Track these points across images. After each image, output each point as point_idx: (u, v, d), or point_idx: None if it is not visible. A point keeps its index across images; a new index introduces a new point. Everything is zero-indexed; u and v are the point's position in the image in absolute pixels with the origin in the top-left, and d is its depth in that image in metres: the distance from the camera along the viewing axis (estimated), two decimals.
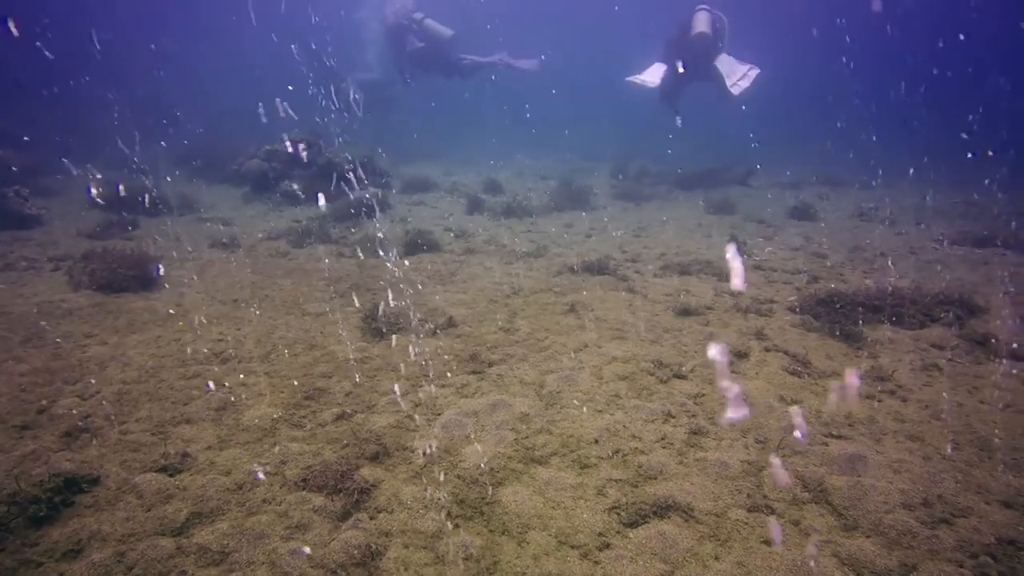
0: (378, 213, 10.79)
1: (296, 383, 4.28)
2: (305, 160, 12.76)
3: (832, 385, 4.32)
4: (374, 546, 2.67)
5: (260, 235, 9.30)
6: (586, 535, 2.77)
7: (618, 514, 2.91)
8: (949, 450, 3.47)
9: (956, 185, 13.73)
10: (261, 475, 3.18)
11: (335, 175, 12.65)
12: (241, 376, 4.37)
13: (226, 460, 3.32)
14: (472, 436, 3.60)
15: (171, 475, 3.18)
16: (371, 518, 2.87)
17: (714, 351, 4.29)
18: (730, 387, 4.03)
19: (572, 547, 2.70)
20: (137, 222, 9.48)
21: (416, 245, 8.46)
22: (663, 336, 5.23)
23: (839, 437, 3.62)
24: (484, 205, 12.00)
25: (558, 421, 3.78)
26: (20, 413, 3.77)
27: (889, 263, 7.89)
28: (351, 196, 11.32)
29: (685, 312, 5.80)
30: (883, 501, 2.98)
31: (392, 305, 5.71)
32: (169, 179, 13.38)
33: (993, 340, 4.97)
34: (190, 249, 8.22)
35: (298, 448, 3.44)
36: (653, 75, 10.47)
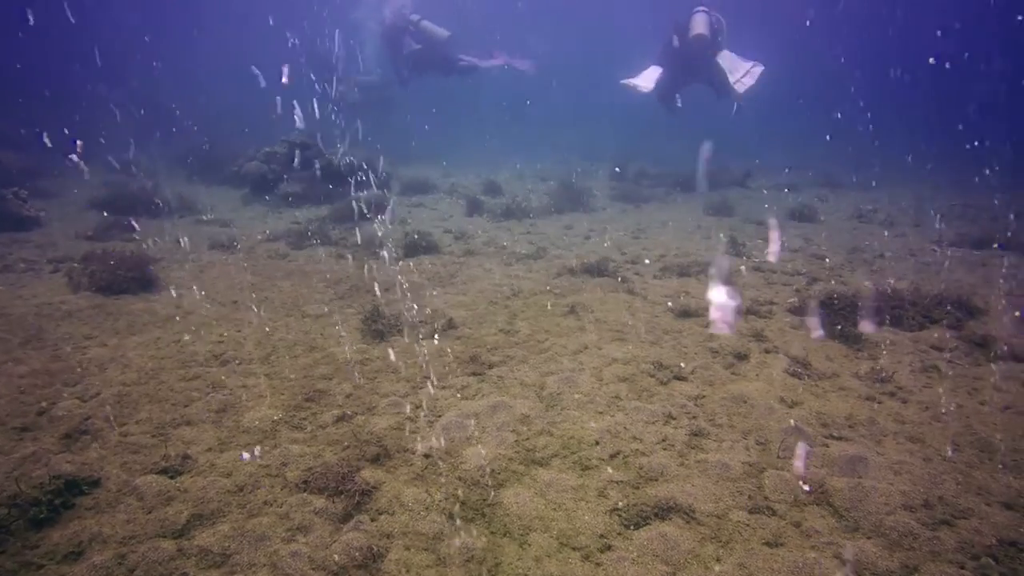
0: (378, 215, 10.79)
1: (296, 385, 4.28)
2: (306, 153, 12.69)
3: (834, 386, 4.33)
4: (375, 548, 2.66)
5: (259, 237, 9.30)
6: (587, 537, 2.77)
7: (619, 516, 2.91)
8: (949, 451, 3.48)
9: (955, 185, 13.77)
10: (246, 455, 3.26)
11: (334, 176, 12.65)
12: (242, 378, 4.37)
13: (227, 462, 3.32)
14: (473, 438, 3.60)
15: (172, 477, 3.17)
16: (372, 520, 2.87)
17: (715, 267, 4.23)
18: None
19: (574, 549, 2.70)
20: (137, 224, 9.47)
21: (416, 247, 8.45)
22: (663, 338, 5.23)
23: (840, 438, 3.62)
24: (483, 207, 12.01)
25: (559, 423, 3.78)
26: (20, 415, 3.76)
27: (888, 264, 7.91)
28: (350, 197, 11.32)
29: (685, 314, 5.80)
30: (884, 502, 2.99)
31: (392, 307, 5.70)
32: (169, 180, 13.37)
33: (992, 341, 4.98)
34: (189, 251, 8.21)
35: (299, 450, 3.44)
36: (647, 79, 10.44)
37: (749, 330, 5.36)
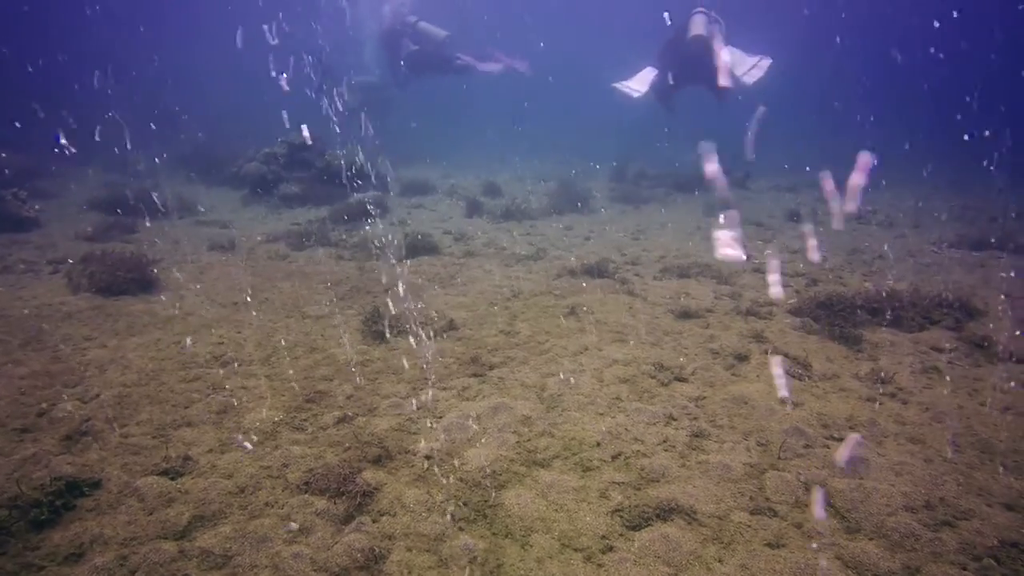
0: (377, 216, 10.79)
1: (297, 386, 4.27)
2: (309, 142, 12.67)
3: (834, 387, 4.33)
4: (377, 549, 2.66)
5: (259, 238, 9.30)
6: (589, 538, 2.77)
7: (621, 517, 2.91)
8: (950, 452, 3.48)
9: (954, 186, 13.80)
10: (246, 445, 3.27)
11: (334, 178, 12.65)
12: (242, 379, 4.37)
13: (227, 463, 3.31)
14: (474, 439, 3.60)
15: (173, 478, 3.17)
16: (374, 521, 2.87)
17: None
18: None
19: (575, 550, 2.70)
20: (136, 225, 9.47)
21: (416, 248, 8.45)
22: (663, 339, 5.23)
23: (841, 439, 3.63)
24: (483, 208, 12.02)
25: (560, 424, 3.78)
26: (20, 416, 3.75)
27: (888, 265, 7.92)
28: (350, 199, 11.33)
29: (685, 315, 5.81)
30: (885, 504, 2.99)
31: (392, 308, 5.70)
32: (169, 181, 13.37)
33: (992, 343, 4.99)
34: (189, 252, 8.20)
35: (300, 451, 3.44)
36: (641, 81, 10.36)
37: (749, 331, 5.36)
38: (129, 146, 13.76)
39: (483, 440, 3.59)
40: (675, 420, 3.84)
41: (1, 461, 3.25)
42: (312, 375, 4.48)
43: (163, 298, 6.20)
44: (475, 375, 4.50)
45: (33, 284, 6.60)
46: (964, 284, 6.97)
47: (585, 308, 5.96)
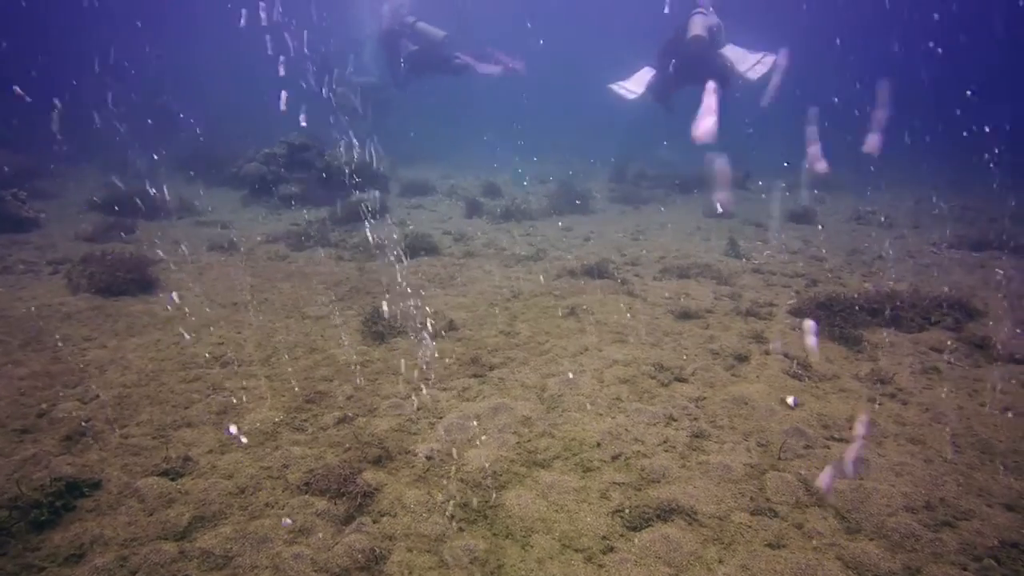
0: (377, 216, 10.79)
1: (297, 387, 4.27)
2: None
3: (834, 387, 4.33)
4: (378, 550, 2.66)
5: (259, 238, 9.29)
6: (590, 538, 2.77)
7: (621, 517, 2.91)
8: (950, 453, 3.48)
9: (954, 186, 13.81)
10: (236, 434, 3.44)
11: (334, 178, 12.65)
12: (242, 380, 4.37)
13: (228, 464, 3.31)
14: (474, 439, 3.60)
15: (173, 479, 3.17)
16: (374, 522, 2.86)
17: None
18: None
19: (576, 550, 2.70)
20: (136, 225, 9.47)
21: (415, 248, 8.45)
22: (663, 339, 5.23)
23: (841, 440, 3.63)
24: (483, 208, 12.02)
25: (560, 424, 3.78)
26: (20, 417, 3.75)
27: (887, 266, 7.92)
28: (350, 199, 11.33)
29: (685, 315, 5.81)
30: (886, 504, 2.99)
31: (392, 308, 5.70)
32: (168, 182, 13.36)
33: (991, 343, 4.99)
34: (189, 252, 8.20)
35: (300, 452, 3.43)
36: (638, 83, 10.31)
37: (749, 332, 5.36)
38: (128, 147, 13.78)
39: (483, 440, 3.59)
40: (675, 421, 3.84)
41: (1, 462, 3.24)
42: (312, 376, 4.48)
43: (163, 298, 6.19)
44: (475, 375, 4.50)
45: (33, 284, 6.60)
46: (964, 285, 6.98)
47: (585, 309, 5.97)
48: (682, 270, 7.52)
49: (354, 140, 13.19)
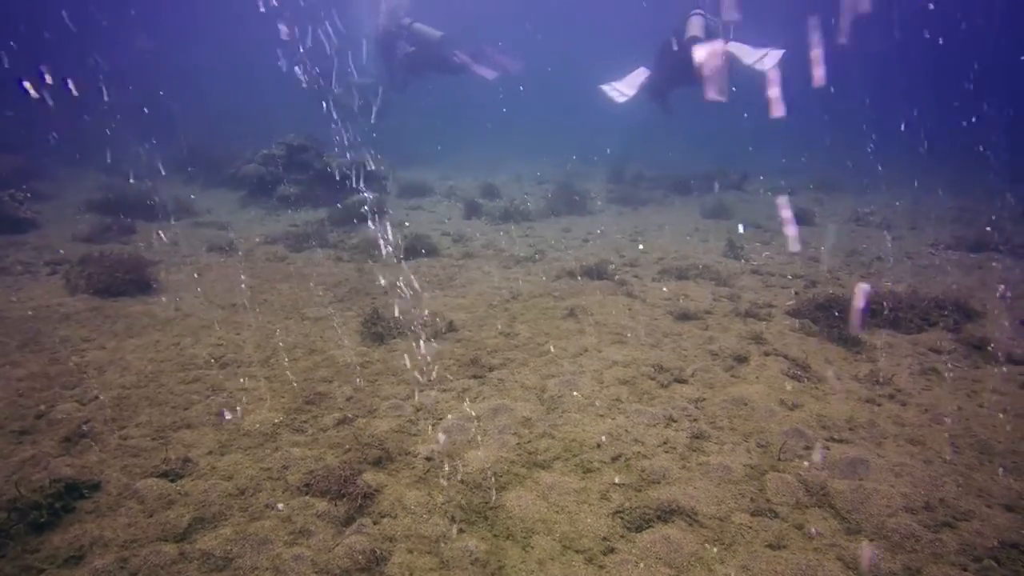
0: (376, 217, 10.79)
1: (297, 388, 4.27)
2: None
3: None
4: (378, 551, 2.66)
5: (257, 239, 9.28)
6: (591, 540, 2.77)
7: (622, 518, 2.91)
8: (949, 454, 3.49)
9: (953, 186, 13.84)
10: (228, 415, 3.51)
11: (332, 179, 12.64)
12: (241, 381, 4.36)
13: (228, 465, 3.30)
14: (474, 440, 3.59)
15: (172, 480, 3.16)
16: (375, 523, 2.86)
17: None
18: None
19: (577, 552, 2.70)
20: (134, 226, 9.45)
21: (414, 249, 8.45)
22: (663, 340, 5.24)
23: (840, 441, 3.63)
24: (482, 209, 12.02)
25: (560, 425, 3.78)
26: (18, 418, 3.74)
27: (886, 267, 7.94)
28: (348, 200, 11.32)
29: (684, 316, 5.81)
30: (886, 505, 3.00)
31: (391, 309, 5.70)
32: (166, 183, 13.35)
33: (990, 344, 5.00)
34: (187, 253, 8.19)
35: (300, 453, 3.43)
36: (630, 84, 10.26)
37: (748, 333, 5.37)
38: (126, 147, 13.76)
39: (483, 442, 3.58)
40: (675, 422, 3.84)
41: (0, 463, 3.23)
42: (312, 377, 4.47)
43: (162, 299, 6.18)
44: (475, 377, 4.50)
45: (30, 285, 6.58)
46: (962, 286, 7.00)
47: (584, 310, 5.97)
48: (681, 271, 7.53)
49: (352, 141, 13.18)
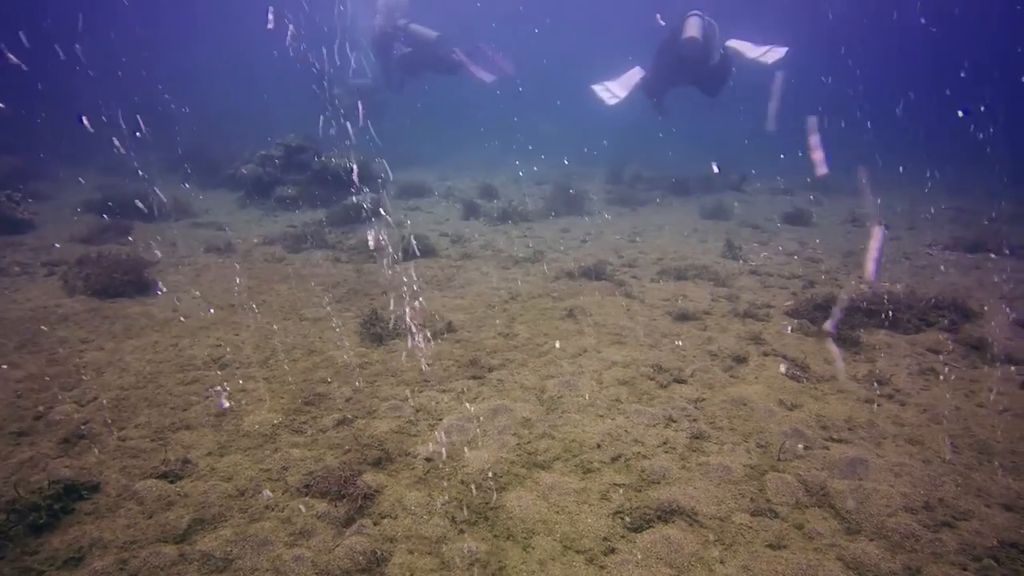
0: (374, 218, 10.78)
1: (296, 388, 4.26)
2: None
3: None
4: (379, 552, 2.65)
5: (256, 240, 9.27)
6: (591, 540, 2.77)
7: (622, 519, 2.91)
8: (948, 454, 3.50)
9: (951, 187, 13.88)
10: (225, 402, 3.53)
11: (330, 180, 12.63)
12: (240, 382, 4.35)
13: (227, 466, 3.30)
14: (474, 441, 3.59)
15: (172, 481, 3.15)
16: (375, 524, 2.86)
17: None
18: None
19: (578, 552, 2.70)
20: (132, 227, 9.43)
21: (413, 250, 8.45)
22: (662, 341, 5.24)
23: (840, 441, 3.64)
24: (480, 210, 12.02)
25: (560, 426, 3.78)
26: (17, 419, 3.73)
27: (883, 268, 7.96)
28: (346, 201, 11.31)
29: (683, 317, 5.82)
30: (885, 504, 3.00)
31: (390, 310, 5.69)
32: (164, 183, 13.33)
33: (988, 344, 5.02)
34: (186, 254, 8.17)
35: (299, 454, 3.42)
36: (623, 86, 10.17)
37: (747, 333, 5.38)
38: (125, 148, 13.72)
39: (483, 442, 3.58)
40: (675, 422, 3.84)
41: None
42: (311, 377, 4.47)
43: (160, 300, 6.17)
44: (474, 377, 4.50)
45: (28, 286, 6.56)
46: (960, 286, 7.02)
47: (583, 310, 5.97)
48: (680, 272, 7.53)
49: (351, 142, 13.17)
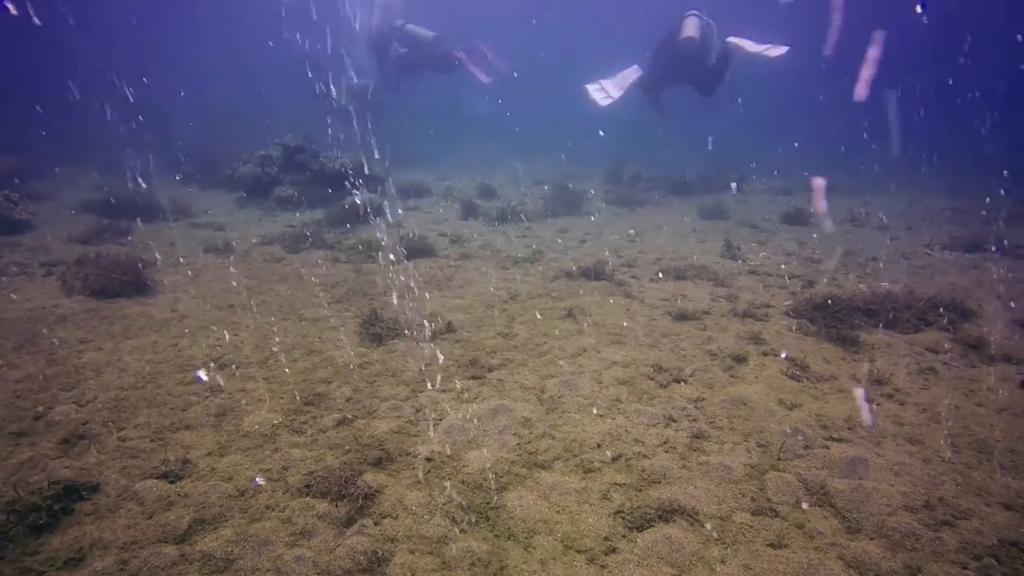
0: (373, 218, 10.77)
1: (295, 389, 4.26)
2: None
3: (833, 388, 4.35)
4: (380, 552, 2.65)
5: (255, 240, 9.26)
6: (592, 540, 2.77)
7: (623, 518, 2.91)
8: (948, 453, 3.50)
9: (950, 188, 13.90)
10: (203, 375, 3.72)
11: (329, 180, 12.62)
12: (240, 382, 4.34)
13: (227, 466, 3.29)
14: (474, 441, 3.59)
15: (172, 482, 3.15)
16: (376, 524, 2.86)
17: None
18: None
19: (578, 552, 2.70)
20: (130, 227, 9.41)
21: (412, 250, 8.44)
22: (661, 341, 5.24)
23: (840, 440, 3.64)
24: (479, 210, 12.01)
25: (560, 426, 3.78)
26: (16, 420, 3.72)
27: (881, 267, 7.97)
28: (345, 201, 11.30)
29: (682, 317, 5.82)
30: (885, 504, 3.00)
31: (389, 310, 5.69)
32: (163, 184, 13.31)
33: (986, 343, 5.03)
34: (184, 254, 8.16)
35: (300, 454, 3.42)
36: (618, 85, 10.11)
37: (747, 333, 5.38)
38: (123, 148, 13.71)
39: (484, 442, 3.58)
40: (675, 421, 3.85)
41: None
42: (310, 378, 4.46)
43: (159, 300, 6.16)
44: (474, 377, 4.50)
45: (26, 287, 6.55)
46: (958, 286, 7.03)
47: (583, 310, 5.97)
48: (679, 271, 7.54)
49: (350, 141, 13.17)
